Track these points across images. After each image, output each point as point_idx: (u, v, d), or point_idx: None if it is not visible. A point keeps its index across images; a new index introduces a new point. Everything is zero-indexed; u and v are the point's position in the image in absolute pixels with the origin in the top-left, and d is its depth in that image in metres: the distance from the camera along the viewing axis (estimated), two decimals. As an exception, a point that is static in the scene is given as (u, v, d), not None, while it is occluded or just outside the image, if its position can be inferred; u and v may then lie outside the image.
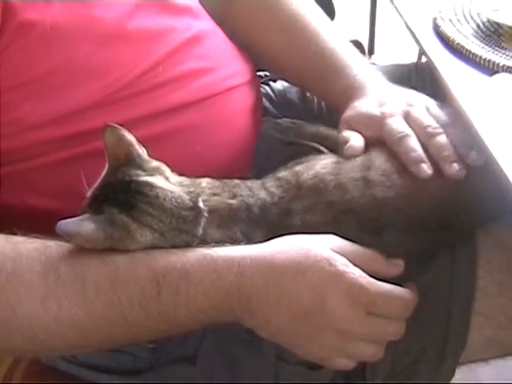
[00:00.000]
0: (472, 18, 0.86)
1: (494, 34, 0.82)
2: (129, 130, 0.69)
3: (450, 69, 0.78)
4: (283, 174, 0.73)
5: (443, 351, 0.75)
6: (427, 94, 0.81)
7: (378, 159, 0.72)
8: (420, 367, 0.76)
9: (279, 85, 1.05)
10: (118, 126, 0.69)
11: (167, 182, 0.68)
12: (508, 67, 0.76)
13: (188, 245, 0.66)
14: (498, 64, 0.76)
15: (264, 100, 0.99)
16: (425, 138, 0.73)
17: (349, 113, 0.81)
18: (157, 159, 0.70)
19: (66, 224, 0.62)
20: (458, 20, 0.86)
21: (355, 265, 0.64)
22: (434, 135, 0.72)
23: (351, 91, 0.84)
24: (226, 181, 0.72)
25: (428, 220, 0.70)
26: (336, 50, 0.89)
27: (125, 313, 0.62)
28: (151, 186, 0.66)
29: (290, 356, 0.73)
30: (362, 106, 0.80)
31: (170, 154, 0.76)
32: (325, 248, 0.65)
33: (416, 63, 1.11)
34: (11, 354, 0.81)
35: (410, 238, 0.70)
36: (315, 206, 0.69)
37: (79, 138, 0.73)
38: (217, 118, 0.83)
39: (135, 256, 0.64)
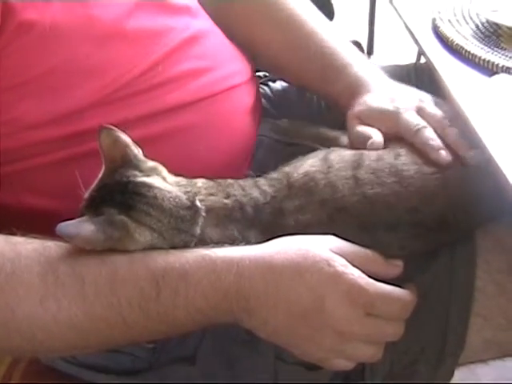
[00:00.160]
0: (471, 18, 0.86)
1: (493, 34, 0.82)
2: (126, 131, 0.69)
3: (449, 69, 0.78)
4: (274, 175, 0.74)
5: (442, 352, 0.75)
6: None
7: (368, 158, 0.73)
8: (419, 368, 0.76)
9: (278, 85, 1.05)
10: (114, 128, 0.69)
11: (164, 182, 0.68)
12: (507, 68, 0.76)
13: (186, 244, 0.66)
14: (498, 65, 0.76)
15: (263, 100, 0.99)
16: (440, 129, 0.75)
17: (359, 108, 0.82)
18: (153, 159, 0.70)
19: (65, 226, 0.62)
20: (458, 21, 0.86)
21: (354, 265, 0.64)
22: (448, 126, 0.75)
23: (353, 88, 0.85)
24: (219, 181, 0.72)
25: (421, 217, 0.70)
26: (335, 48, 0.89)
27: (124, 314, 0.62)
28: (149, 186, 0.66)
29: (288, 356, 0.73)
30: (373, 101, 0.82)
31: (167, 154, 0.76)
32: (324, 249, 0.65)
33: (415, 64, 1.11)
34: (10, 354, 0.81)
35: (404, 236, 0.70)
36: (307, 205, 0.70)
37: (76, 138, 0.73)
38: (215, 119, 0.83)
39: (134, 256, 0.64)
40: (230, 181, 0.73)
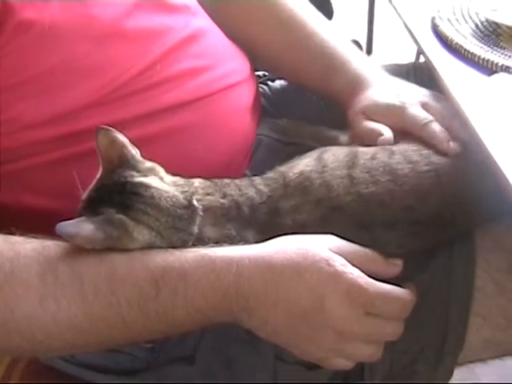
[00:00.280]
0: (470, 17, 0.86)
1: (492, 33, 0.82)
2: (123, 131, 0.69)
3: (448, 68, 0.78)
4: (270, 174, 0.75)
5: (441, 351, 0.75)
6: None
7: (362, 157, 0.73)
8: (418, 367, 0.76)
9: (277, 84, 1.05)
10: (110, 128, 0.69)
11: (162, 182, 0.68)
12: (506, 67, 0.76)
13: (184, 243, 0.66)
14: (497, 64, 0.76)
15: (262, 100, 0.99)
16: (445, 122, 0.77)
17: (364, 103, 0.83)
18: (151, 160, 0.70)
19: (64, 226, 0.62)
20: (457, 20, 0.85)
21: (354, 265, 0.64)
22: (453, 119, 0.77)
23: (354, 85, 0.86)
24: (216, 180, 0.72)
25: (418, 215, 0.71)
26: (336, 48, 0.90)
27: (123, 313, 0.62)
28: (146, 186, 0.67)
29: (288, 356, 0.73)
30: (378, 96, 0.83)
31: (165, 154, 0.76)
32: (323, 248, 0.65)
33: (414, 63, 1.11)
34: (9, 354, 0.81)
35: (402, 234, 0.71)
36: (303, 204, 0.70)
37: (74, 137, 0.73)
38: (213, 118, 0.83)
39: (133, 256, 0.64)
40: (226, 180, 0.73)
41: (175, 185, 0.69)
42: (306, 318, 0.63)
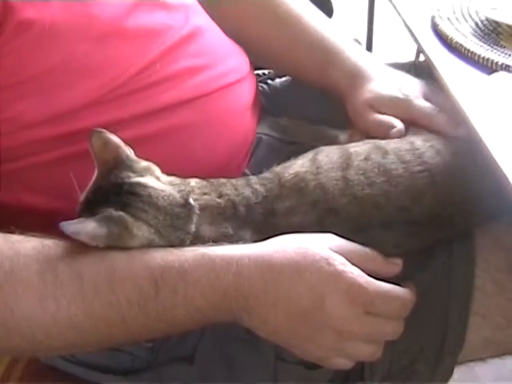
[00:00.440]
0: (470, 16, 0.86)
1: (492, 32, 0.82)
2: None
3: (448, 67, 0.78)
4: (266, 174, 0.75)
5: (441, 351, 0.75)
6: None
7: (356, 159, 0.73)
8: (418, 367, 0.76)
9: (277, 83, 1.05)
10: (103, 130, 0.69)
11: (158, 182, 0.69)
12: (507, 66, 0.76)
13: (182, 242, 0.67)
14: (497, 62, 0.76)
15: (262, 99, 0.99)
16: (449, 112, 0.79)
17: (368, 96, 0.84)
18: (147, 159, 0.70)
19: (67, 225, 0.62)
20: (457, 18, 0.85)
21: (353, 264, 0.64)
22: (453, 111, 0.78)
23: (353, 77, 0.87)
24: (212, 180, 0.73)
25: (413, 215, 0.70)
26: (331, 40, 0.91)
27: (123, 312, 0.62)
28: (143, 186, 0.67)
29: (288, 355, 0.73)
30: (381, 89, 0.84)
31: (164, 153, 0.76)
32: (323, 247, 0.65)
33: (414, 62, 1.11)
34: (9, 353, 0.81)
35: (399, 234, 0.71)
36: (298, 206, 0.70)
37: (74, 137, 0.73)
38: (212, 117, 0.83)
39: (133, 255, 0.64)
40: (222, 180, 0.73)
41: (171, 184, 0.69)
42: (306, 317, 0.63)
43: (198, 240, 0.67)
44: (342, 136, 0.88)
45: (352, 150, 0.75)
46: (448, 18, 0.85)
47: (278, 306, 0.63)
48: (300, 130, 0.93)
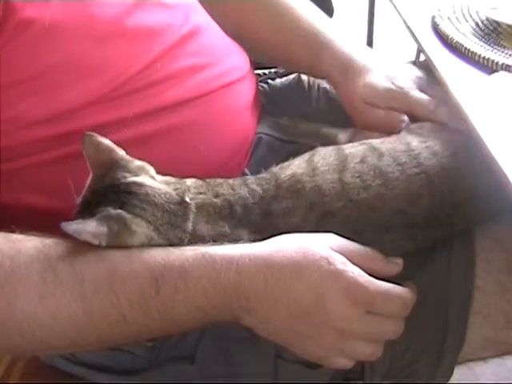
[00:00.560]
0: (471, 16, 0.86)
1: (492, 32, 0.82)
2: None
3: (448, 67, 0.78)
4: (263, 174, 0.75)
5: (441, 350, 0.75)
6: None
7: (352, 161, 0.73)
8: (418, 366, 0.76)
9: (278, 83, 1.05)
10: (94, 134, 0.69)
11: (154, 181, 0.69)
12: (507, 65, 0.76)
13: (180, 241, 0.67)
14: (497, 62, 0.76)
15: (262, 98, 0.99)
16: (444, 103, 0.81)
17: (363, 91, 0.85)
18: (140, 159, 0.70)
19: (69, 224, 0.62)
20: (457, 18, 0.85)
21: (354, 263, 0.64)
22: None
23: (344, 66, 0.88)
24: (209, 180, 0.73)
25: (410, 217, 0.70)
26: (323, 29, 0.91)
27: (124, 312, 0.62)
28: (139, 185, 0.67)
29: (288, 355, 0.73)
30: (377, 81, 0.85)
31: (165, 152, 0.76)
32: (324, 247, 0.65)
33: (414, 61, 1.11)
34: (10, 352, 0.81)
35: (398, 237, 0.70)
36: (295, 209, 0.70)
37: (74, 136, 0.73)
38: (212, 116, 0.83)
39: (133, 255, 0.64)
40: (219, 180, 0.73)
41: (167, 183, 0.70)
42: (307, 316, 0.63)
43: (196, 239, 0.67)
44: (342, 135, 0.88)
45: (347, 151, 0.75)
46: (448, 18, 0.85)
47: (279, 306, 0.63)
48: (300, 130, 0.93)
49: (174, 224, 0.67)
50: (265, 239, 0.67)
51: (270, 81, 1.06)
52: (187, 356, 0.77)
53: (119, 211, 0.65)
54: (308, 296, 0.63)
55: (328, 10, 1.84)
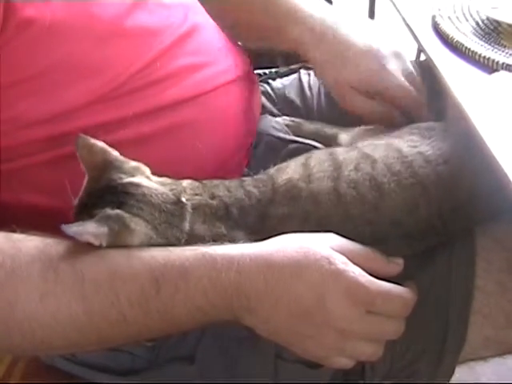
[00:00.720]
0: (471, 15, 0.86)
1: (493, 31, 0.82)
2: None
3: (449, 67, 0.78)
4: (260, 176, 0.75)
5: (442, 350, 0.75)
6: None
7: (346, 168, 0.72)
8: (419, 366, 0.76)
9: (278, 83, 1.05)
10: (86, 136, 0.69)
11: (149, 181, 0.69)
12: (507, 65, 0.76)
13: (178, 241, 0.67)
14: (498, 62, 0.76)
15: (263, 98, 0.99)
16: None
17: (353, 77, 0.87)
18: (134, 159, 0.71)
19: (69, 227, 0.62)
20: (457, 18, 0.85)
21: (355, 263, 0.64)
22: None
23: (313, 34, 0.89)
24: (205, 182, 0.73)
25: (407, 228, 0.70)
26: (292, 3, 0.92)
27: (124, 312, 0.62)
28: (136, 185, 0.68)
29: (288, 354, 0.72)
30: (361, 65, 0.87)
31: (164, 151, 0.76)
32: (324, 246, 0.64)
33: (415, 61, 1.10)
34: (10, 352, 0.81)
35: (391, 247, 0.70)
36: (291, 217, 0.70)
37: (74, 136, 0.73)
38: (212, 115, 0.83)
39: (134, 254, 0.64)
40: (215, 181, 0.73)
41: (163, 184, 0.70)
42: (307, 316, 0.63)
43: (194, 239, 0.67)
44: (342, 134, 0.88)
45: (341, 157, 0.74)
46: (449, 17, 0.85)
47: (279, 305, 0.63)
48: (300, 129, 0.93)
49: (171, 223, 0.67)
50: (265, 239, 0.67)
51: (270, 81, 1.05)
52: (187, 356, 0.77)
53: (117, 211, 0.65)
54: (309, 296, 0.63)
55: (328, 9, 1.83)
